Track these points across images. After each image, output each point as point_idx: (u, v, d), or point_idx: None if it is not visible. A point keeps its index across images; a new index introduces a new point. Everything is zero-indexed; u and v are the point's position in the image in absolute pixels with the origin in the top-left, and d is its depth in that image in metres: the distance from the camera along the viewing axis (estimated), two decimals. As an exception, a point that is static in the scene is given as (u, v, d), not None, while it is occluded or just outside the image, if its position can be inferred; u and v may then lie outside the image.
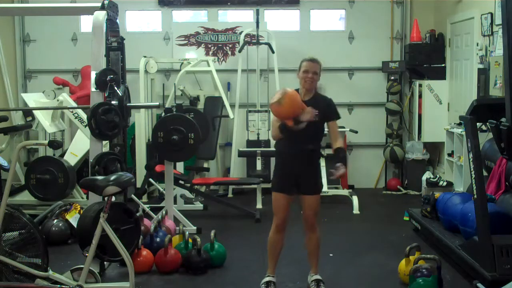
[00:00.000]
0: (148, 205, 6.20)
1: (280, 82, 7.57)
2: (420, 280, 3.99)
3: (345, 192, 7.28)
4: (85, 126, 5.59)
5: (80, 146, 6.07)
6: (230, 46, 8.15)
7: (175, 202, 6.29)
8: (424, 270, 4.04)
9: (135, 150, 7.22)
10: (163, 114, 5.77)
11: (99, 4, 4.75)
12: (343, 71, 8.19)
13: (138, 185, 6.72)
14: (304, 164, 4.06)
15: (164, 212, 5.44)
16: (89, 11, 4.86)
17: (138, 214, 4.54)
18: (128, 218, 4.03)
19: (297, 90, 4.08)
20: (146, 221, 5.13)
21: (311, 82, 4.05)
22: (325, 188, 6.92)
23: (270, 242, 4.19)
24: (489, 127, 4.46)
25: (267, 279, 4.20)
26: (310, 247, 4.23)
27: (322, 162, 7.03)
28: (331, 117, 4.10)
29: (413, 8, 8.14)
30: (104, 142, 4.70)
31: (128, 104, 4.88)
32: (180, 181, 6.54)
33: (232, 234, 5.77)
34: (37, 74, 8.23)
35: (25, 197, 6.01)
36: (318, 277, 4.20)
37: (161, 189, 6.84)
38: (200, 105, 7.76)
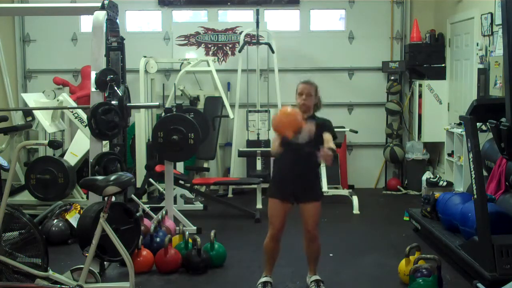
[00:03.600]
0: (148, 205, 6.20)
1: (280, 82, 7.58)
2: (420, 280, 3.99)
3: (345, 192, 7.28)
4: (85, 126, 5.59)
5: (80, 146, 6.07)
6: (230, 46, 8.15)
7: (175, 202, 6.29)
8: (424, 270, 4.04)
9: (135, 150, 7.22)
10: (163, 114, 5.77)
11: (99, 4, 4.75)
12: (343, 71, 8.19)
13: (138, 185, 6.73)
14: (303, 170, 4.03)
15: (164, 212, 5.44)
16: (89, 11, 4.86)
17: (138, 214, 4.54)
18: (128, 218, 4.03)
19: None
20: (146, 221, 5.13)
21: (304, 104, 4.05)
22: (325, 188, 6.92)
23: (266, 250, 4.17)
24: (489, 127, 4.46)
25: (263, 279, 4.19)
26: (310, 255, 4.21)
27: (322, 162, 7.04)
28: (325, 131, 4.05)
29: (413, 8, 8.14)
30: (104, 142, 4.70)
31: (128, 104, 4.88)
32: (180, 181, 6.54)
33: (232, 234, 5.77)
34: (37, 74, 8.23)
35: (25, 197, 6.01)
36: (317, 277, 4.20)
37: (161, 189, 6.85)
38: (200, 105, 7.76)
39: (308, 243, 4.17)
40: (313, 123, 3.93)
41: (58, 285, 3.73)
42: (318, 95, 4.12)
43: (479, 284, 4.00)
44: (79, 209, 5.63)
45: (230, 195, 7.59)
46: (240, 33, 7.85)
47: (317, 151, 4.05)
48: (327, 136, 4.04)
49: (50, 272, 3.77)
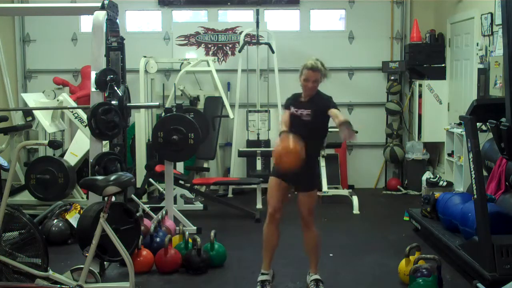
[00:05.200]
0: (148, 205, 6.20)
1: (280, 82, 7.58)
2: (420, 280, 4.00)
3: (345, 192, 7.28)
4: (85, 126, 5.59)
5: (80, 146, 6.07)
6: (230, 46, 8.15)
7: (175, 202, 6.29)
8: (424, 270, 4.04)
9: (135, 150, 7.22)
10: (163, 114, 5.77)
11: (99, 4, 4.75)
12: (343, 71, 8.19)
13: (138, 185, 6.72)
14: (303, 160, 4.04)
15: (164, 212, 5.44)
16: (89, 11, 4.86)
17: (138, 214, 4.54)
18: (128, 218, 4.03)
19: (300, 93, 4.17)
20: (146, 221, 5.13)
21: (310, 90, 4.10)
22: (325, 188, 6.92)
23: (264, 235, 4.19)
24: (489, 127, 4.46)
25: (262, 277, 4.20)
26: (308, 246, 4.23)
27: (322, 162, 7.06)
28: (328, 107, 4.07)
29: (413, 8, 8.14)
30: (104, 142, 4.70)
31: (128, 104, 4.88)
32: (180, 181, 6.54)
33: (232, 234, 5.77)
34: (37, 74, 8.23)
35: (25, 197, 6.01)
36: (317, 276, 4.20)
37: (161, 189, 6.84)
38: (200, 105, 7.76)
39: (305, 233, 4.19)
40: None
41: (58, 285, 3.74)
42: (323, 77, 4.12)
43: (479, 284, 4.00)
44: (79, 209, 5.63)
45: (230, 195, 7.59)
46: (240, 33, 7.85)
47: (319, 146, 4.07)
48: (334, 112, 4.05)
49: (50, 272, 3.77)
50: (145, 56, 7.48)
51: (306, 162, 4.08)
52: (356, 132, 7.43)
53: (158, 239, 4.86)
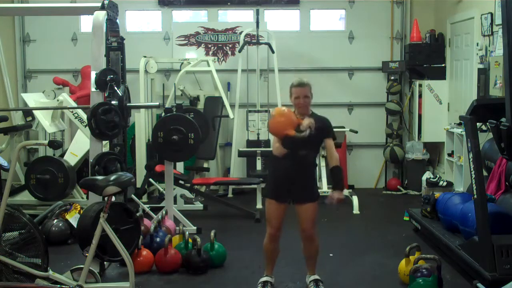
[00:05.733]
0: (148, 205, 6.20)
1: (280, 82, 7.57)
2: (420, 280, 4.00)
3: (345, 192, 7.26)
4: (85, 126, 5.60)
5: (80, 146, 6.07)
6: (230, 46, 8.15)
7: (175, 202, 6.29)
8: (424, 270, 4.04)
9: (135, 150, 7.22)
10: (163, 114, 5.77)
11: (99, 4, 4.76)
12: (343, 71, 8.19)
13: (138, 185, 6.72)
14: (298, 170, 4.00)
15: (164, 212, 5.44)
16: (89, 11, 4.86)
17: (138, 214, 4.54)
18: (128, 218, 4.04)
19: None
20: (146, 221, 5.13)
21: (304, 107, 4.00)
22: (325, 188, 6.92)
23: (266, 250, 4.20)
24: (489, 127, 4.46)
25: (264, 279, 4.22)
26: (309, 254, 4.22)
27: (322, 162, 7.05)
28: (326, 134, 4.05)
29: (413, 8, 8.14)
30: (104, 142, 4.71)
31: (128, 104, 4.89)
32: (180, 181, 6.54)
33: (232, 234, 5.77)
34: (37, 74, 8.23)
35: (25, 197, 6.02)
36: (316, 277, 4.21)
37: (161, 189, 6.85)
38: (200, 105, 7.76)
39: (306, 244, 4.17)
40: (311, 117, 3.92)
41: (58, 285, 3.74)
42: (312, 92, 4.07)
43: (479, 284, 4.00)
44: (79, 209, 5.63)
45: (230, 195, 7.59)
46: (240, 33, 7.85)
47: (314, 153, 4.07)
48: (329, 146, 4.02)
49: (50, 272, 3.77)
50: (145, 56, 7.49)
51: (304, 173, 4.06)
52: (356, 132, 7.54)
53: (158, 239, 4.86)
